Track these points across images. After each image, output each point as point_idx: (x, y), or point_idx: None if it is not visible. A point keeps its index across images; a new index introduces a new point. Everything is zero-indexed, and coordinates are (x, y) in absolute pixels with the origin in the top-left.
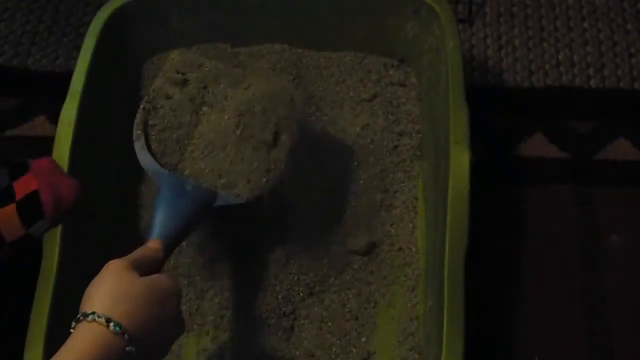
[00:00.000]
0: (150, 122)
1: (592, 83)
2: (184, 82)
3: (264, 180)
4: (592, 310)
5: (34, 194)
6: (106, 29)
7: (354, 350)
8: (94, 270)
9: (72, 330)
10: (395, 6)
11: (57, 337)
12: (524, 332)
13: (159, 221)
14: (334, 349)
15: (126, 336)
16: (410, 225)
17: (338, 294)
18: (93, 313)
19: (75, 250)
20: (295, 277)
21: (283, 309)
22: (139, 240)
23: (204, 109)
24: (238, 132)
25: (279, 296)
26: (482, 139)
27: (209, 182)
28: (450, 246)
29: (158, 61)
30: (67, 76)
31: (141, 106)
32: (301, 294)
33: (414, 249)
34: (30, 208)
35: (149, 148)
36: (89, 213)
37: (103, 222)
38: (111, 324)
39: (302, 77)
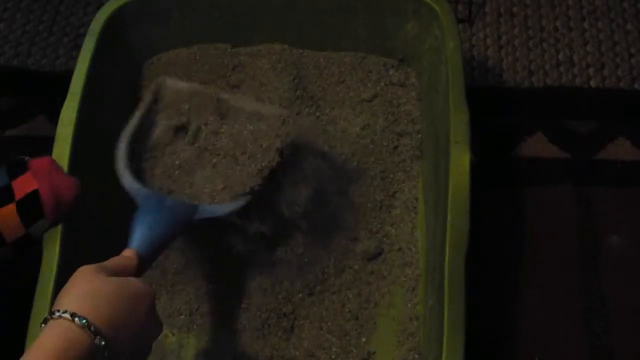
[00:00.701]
0: (153, 168)
1: (592, 83)
2: (181, 127)
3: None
4: (592, 310)
5: (34, 194)
6: (106, 29)
7: (354, 350)
8: None
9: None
10: (396, 6)
11: None
12: (524, 332)
13: (136, 232)
14: (334, 349)
15: (92, 328)
16: (410, 225)
17: (338, 294)
18: (59, 311)
19: (75, 250)
20: (296, 278)
21: (283, 309)
22: None
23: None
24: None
25: (279, 296)
26: (482, 139)
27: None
28: (450, 246)
29: (158, 61)
30: (67, 76)
31: (128, 131)
32: (301, 294)
33: (414, 249)
34: (30, 207)
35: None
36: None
37: (103, 222)
38: (76, 319)
39: (301, 77)
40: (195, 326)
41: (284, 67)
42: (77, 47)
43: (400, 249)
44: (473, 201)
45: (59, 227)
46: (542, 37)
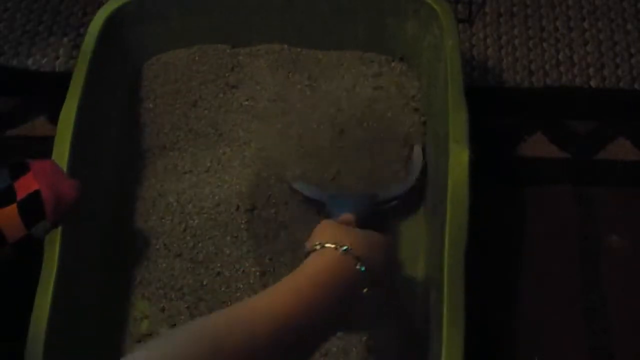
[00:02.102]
0: None
1: (592, 83)
2: None
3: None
4: (592, 310)
5: (36, 194)
6: (106, 29)
7: (354, 349)
8: (94, 270)
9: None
10: (395, 6)
11: (57, 336)
12: (523, 332)
13: (342, 205)
14: (334, 349)
15: (356, 255)
16: (410, 225)
17: None
18: (320, 243)
19: (75, 250)
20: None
21: None
22: (139, 240)
23: None
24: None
25: None
26: (482, 139)
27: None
28: (450, 245)
29: (157, 61)
30: (67, 76)
31: None
32: None
33: (414, 249)
34: (31, 208)
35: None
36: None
37: (103, 222)
38: (339, 247)
39: (300, 75)
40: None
41: (282, 67)
42: (77, 47)
43: (400, 249)
44: (473, 201)
45: (60, 228)
46: (542, 37)
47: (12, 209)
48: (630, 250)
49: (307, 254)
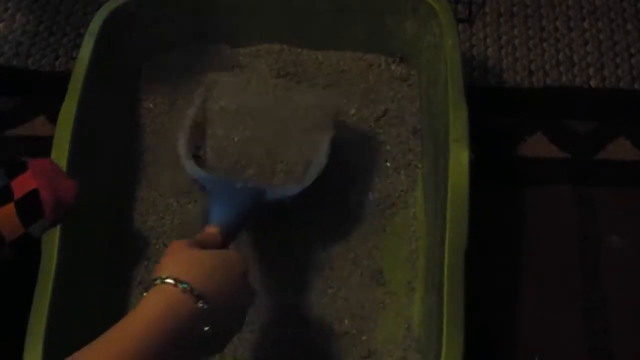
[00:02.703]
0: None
1: (592, 83)
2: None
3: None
4: (592, 310)
5: (34, 193)
6: (106, 29)
7: (354, 349)
8: (94, 270)
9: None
10: (395, 5)
11: (57, 336)
12: (523, 332)
13: (214, 211)
14: (334, 349)
15: (196, 293)
16: (410, 225)
17: (338, 293)
18: (161, 277)
19: (74, 250)
20: (297, 279)
21: (284, 308)
22: (139, 240)
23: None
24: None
25: (280, 295)
26: (482, 139)
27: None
28: (450, 245)
29: (157, 61)
30: (67, 76)
31: (187, 123)
32: (302, 293)
33: (414, 248)
34: (29, 207)
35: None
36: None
37: (103, 222)
38: (179, 284)
39: (300, 75)
40: None
41: (282, 67)
42: (77, 47)
43: (400, 249)
44: (473, 201)
45: (58, 228)
46: (542, 37)
47: (10, 207)
48: (630, 250)
49: (148, 287)
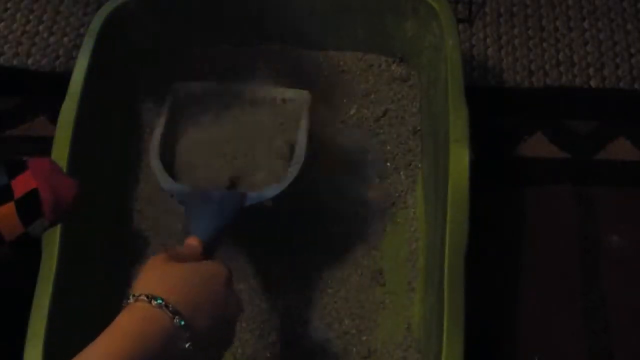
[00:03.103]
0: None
1: (592, 83)
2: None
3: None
4: (592, 310)
5: (33, 192)
6: (106, 29)
7: (354, 349)
8: (94, 270)
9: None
10: (395, 5)
11: (57, 336)
12: (524, 332)
13: (193, 223)
14: (334, 349)
15: (170, 308)
16: (410, 225)
17: (338, 292)
18: (134, 295)
19: (74, 250)
20: (297, 279)
21: (284, 308)
22: (139, 240)
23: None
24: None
25: (280, 295)
26: (482, 139)
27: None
28: (450, 245)
29: (158, 61)
30: (67, 76)
31: (158, 132)
32: (301, 293)
33: (414, 248)
34: (29, 206)
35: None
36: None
37: (103, 221)
38: (153, 300)
39: (300, 75)
40: None
41: (282, 67)
42: (77, 47)
43: (400, 249)
44: (473, 201)
45: (58, 228)
46: (542, 37)
47: (10, 207)
48: (630, 250)
49: (123, 305)
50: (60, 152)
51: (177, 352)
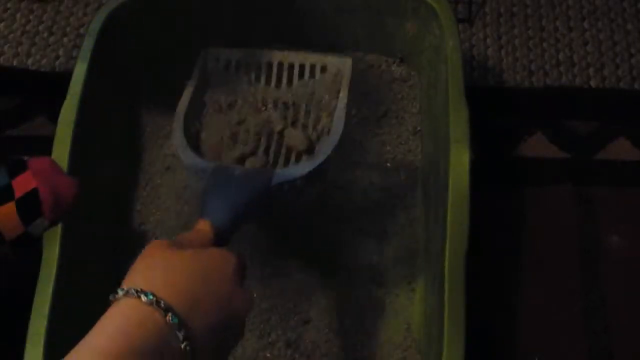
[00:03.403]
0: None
1: (592, 83)
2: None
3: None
4: (592, 310)
5: (33, 192)
6: (106, 29)
7: (354, 349)
8: (94, 270)
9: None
10: (395, 5)
11: (57, 336)
12: (524, 332)
13: (208, 204)
14: (334, 349)
15: (162, 305)
16: (410, 225)
17: (338, 293)
18: (122, 289)
19: (75, 250)
20: (297, 279)
21: (283, 308)
22: (139, 240)
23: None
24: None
25: (279, 295)
26: (482, 139)
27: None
28: (450, 246)
29: (158, 61)
30: (67, 76)
31: (184, 102)
32: (302, 295)
33: (414, 249)
34: (29, 206)
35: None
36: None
37: (103, 221)
38: (142, 295)
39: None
40: None
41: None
42: (77, 47)
43: (400, 249)
44: (473, 201)
45: (59, 227)
46: (542, 37)
47: (10, 206)
48: (630, 250)
49: (111, 301)
50: (60, 152)
51: (173, 354)
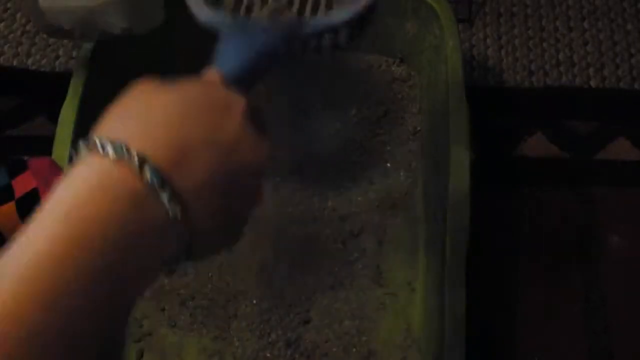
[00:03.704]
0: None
1: (592, 83)
2: None
3: None
4: (592, 310)
5: (34, 192)
6: None
7: (354, 349)
8: None
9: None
10: (395, 5)
11: None
12: (524, 332)
13: (222, 52)
14: (334, 349)
15: (136, 158)
16: (410, 225)
17: (338, 293)
18: (85, 139)
19: None
20: (297, 279)
21: (283, 309)
22: None
23: None
24: None
25: (279, 296)
26: (482, 139)
27: None
28: (450, 245)
29: (158, 61)
30: (67, 76)
31: None
32: (302, 295)
33: (414, 249)
34: (29, 206)
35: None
36: None
37: None
38: (110, 147)
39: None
40: (195, 325)
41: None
42: (77, 47)
43: (400, 249)
44: (473, 201)
45: None
46: (542, 37)
47: (11, 206)
48: (630, 250)
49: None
50: (60, 152)
51: (157, 225)
